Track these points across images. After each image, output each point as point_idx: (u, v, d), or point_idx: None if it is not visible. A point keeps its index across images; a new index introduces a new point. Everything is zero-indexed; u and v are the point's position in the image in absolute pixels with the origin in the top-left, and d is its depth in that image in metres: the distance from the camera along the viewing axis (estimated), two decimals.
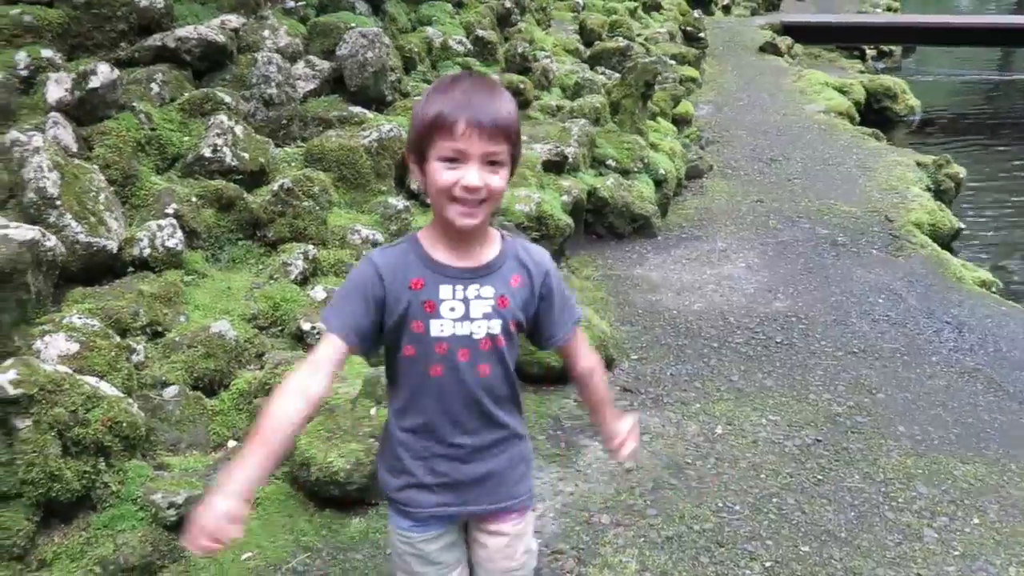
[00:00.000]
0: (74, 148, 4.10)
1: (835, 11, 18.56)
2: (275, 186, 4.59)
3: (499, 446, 1.88)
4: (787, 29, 15.48)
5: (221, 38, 5.25)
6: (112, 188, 4.08)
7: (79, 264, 3.68)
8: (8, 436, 2.76)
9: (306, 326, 3.90)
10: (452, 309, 1.76)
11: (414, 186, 5.29)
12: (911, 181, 7.75)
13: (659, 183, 7.02)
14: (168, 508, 2.95)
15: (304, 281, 4.29)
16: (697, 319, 5.17)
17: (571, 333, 1.96)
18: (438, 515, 1.90)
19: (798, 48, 15.22)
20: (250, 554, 3.04)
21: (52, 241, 3.38)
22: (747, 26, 15.80)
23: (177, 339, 3.63)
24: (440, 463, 1.84)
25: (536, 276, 1.85)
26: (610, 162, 6.84)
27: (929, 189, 7.80)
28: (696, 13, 14.08)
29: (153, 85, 4.84)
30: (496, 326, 1.78)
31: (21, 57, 4.41)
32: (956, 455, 3.81)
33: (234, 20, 5.54)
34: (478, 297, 1.77)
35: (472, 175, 1.65)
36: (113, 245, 3.81)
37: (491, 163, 1.68)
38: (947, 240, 6.99)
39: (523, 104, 7.21)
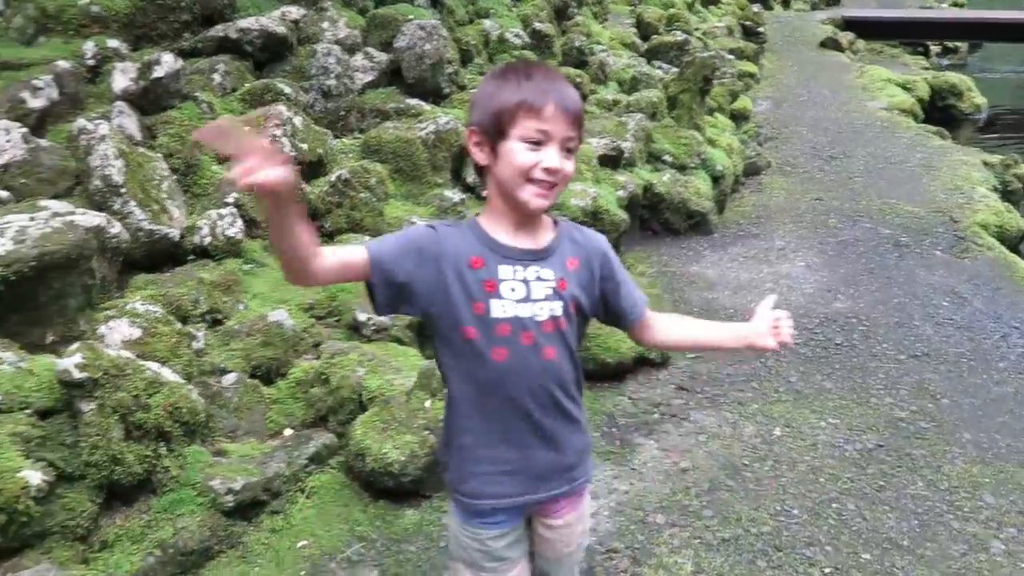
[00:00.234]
0: (138, 136, 4.16)
1: (899, 6, 18.15)
2: (332, 177, 4.61)
3: (562, 432, 1.85)
4: (849, 24, 15.19)
5: (282, 29, 5.30)
6: (174, 176, 4.14)
7: (142, 251, 3.73)
8: (73, 419, 2.81)
9: (362, 316, 3.91)
10: (513, 290, 1.73)
11: (470, 179, 5.28)
12: (977, 181, 7.53)
13: (716, 179, 6.92)
14: (226, 494, 2.98)
15: None
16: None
17: (644, 308, 1.94)
18: (503, 507, 1.87)
19: (860, 44, 14.93)
20: (305, 542, 3.06)
21: (117, 228, 3.43)
22: (807, 21, 15.54)
23: (236, 327, 3.66)
24: (505, 451, 1.81)
25: (594, 258, 1.84)
26: (666, 157, 6.76)
27: (996, 190, 7.57)
28: (755, 7, 13.92)
29: (215, 75, 4.90)
30: (558, 308, 1.76)
31: (89, 47, 4.49)
32: None
33: (294, 11, 5.59)
34: (539, 279, 1.75)
35: (553, 156, 1.67)
36: (175, 233, 3.86)
37: (567, 149, 1.70)
38: (1015, 242, 6.77)
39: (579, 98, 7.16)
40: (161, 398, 2.94)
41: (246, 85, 4.98)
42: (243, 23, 5.19)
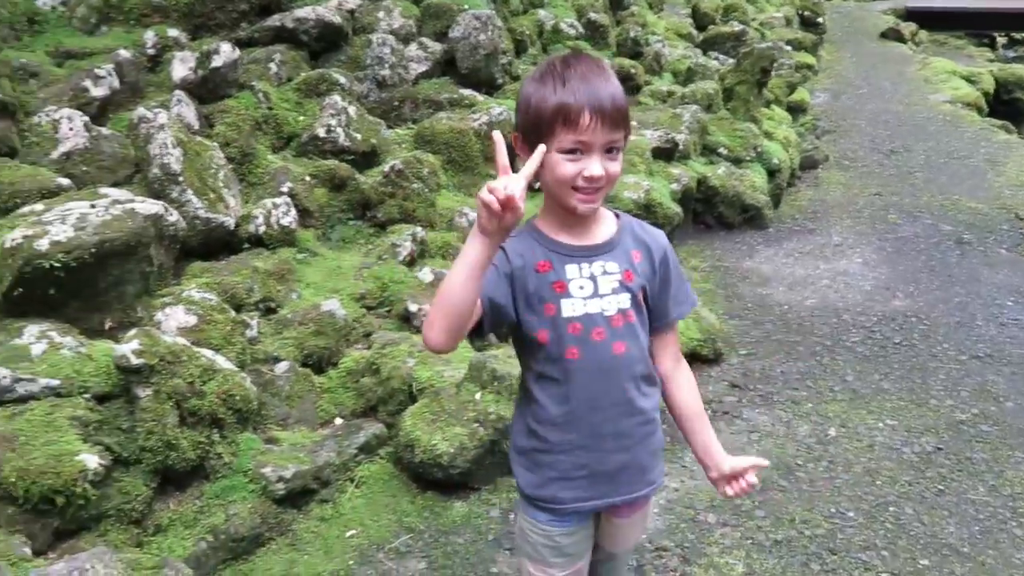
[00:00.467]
0: (196, 125, 4.21)
1: None
2: (386, 167, 4.63)
3: (638, 432, 1.84)
4: (911, 14, 14.81)
5: (337, 19, 5.32)
6: (230, 165, 4.19)
7: (198, 239, 3.78)
8: (130, 404, 2.86)
9: (413, 307, 3.91)
10: (581, 287, 1.73)
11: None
12: None
13: (772, 173, 6.79)
14: (277, 482, 3.01)
15: (412, 262, 4.31)
16: (810, 315, 4.99)
17: (685, 314, 1.92)
18: (580, 510, 1.87)
19: (923, 35, 14.55)
20: (354, 532, 3.07)
21: (174, 216, 3.47)
22: (868, 11, 15.20)
23: (289, 316, 3.69)
24: (583, 455, 1.80)
25: (655, 253, 1.82)
26: (722, 150, 6.66)
27: None
28: None
29: (271, 65, 4.94)
30: (625, 300, 1.75)
31: (149, 36, 4.56)
32: None
33: (350, 1, 5.60)
34: (604, 273, 1.75)
35: (595, 166, 1.64)
36: (231, 221, 3.90)
37: (610, 150, 1.67)
38: None
39: (633, 89, 7.10)
40: (215, 385, 2.98)
41: (301, 75, 5.02)
42: (300, 12, 5.22)
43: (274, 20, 5.20)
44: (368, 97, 5.30)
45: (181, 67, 4.41)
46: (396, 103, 5.43)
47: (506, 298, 1.70)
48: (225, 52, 4.42)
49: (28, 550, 2.46)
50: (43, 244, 2.90)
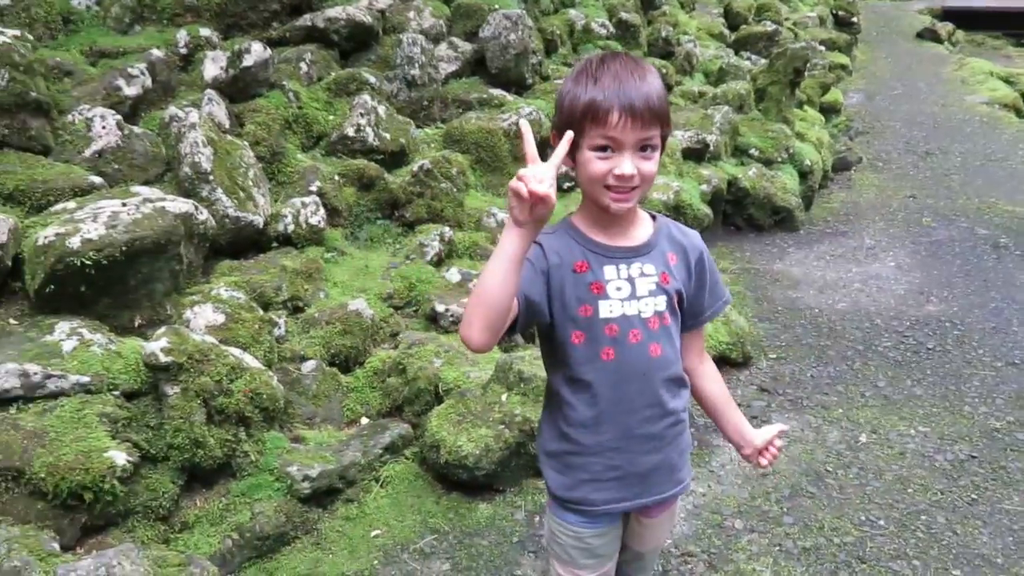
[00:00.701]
0: (226, 124, 4.24)
1: None
2: (414, 167, 4.63)
3: (669, 433, 1.83)
4: (948, 14, 14.60)
5: (368, 19, 5.33)
6: (260, 164, 4.20)
7: (227, 237, 3.80)
8: (158, 401, 2.88)
9: (440, 307, 3.91)
10: (619, 289, 1.72)
11: None
12: None
13: (804, 175, 6.73)
14: (302, 480, 3.01)
15: (439, 262, 4.31)
16: (841, 319, 4.92)
17: (718, 313, 1.93)
18: (611, 511, 1.87)
19: (959, 35, 14.33)
20: (378, 532, 3.07)
21: (204, 215, 3.49)
22: (904, 11, 14.99)
23: (316, 315, 3.70)
24: (615, 456, 1.80)
25: (691, 255, 1.82)
26: (753, 151, 6.60)
27: None
28: None
29: (302, 64, 4.95)
30: (662, 303, 1.75)
31: (182, 35, 4.59)
32: None
33: (381, 1, 5.61)
34: (642, 275, 1.74)
35: (626, 164, 1.62)
36: (259, 220, 3.92)
37: (643, 148, 1.64)
38: None
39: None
40: (242, 383, 2.99)
41: (332, 74, 5.03)
42: (331, 12, 5.24)
43: (305, 20, 5.22)
44: (398, 96, 5.30)
45: (212, 66, 4.44)
46: (425, 103, 5.43)
47: (541, 296, 1.69)
48: (256, 51, 4.44)
49: (56, 545, 2.49)
50: (75, 242, 2.92)
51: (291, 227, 4.03)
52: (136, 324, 3.20)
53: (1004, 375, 4.29)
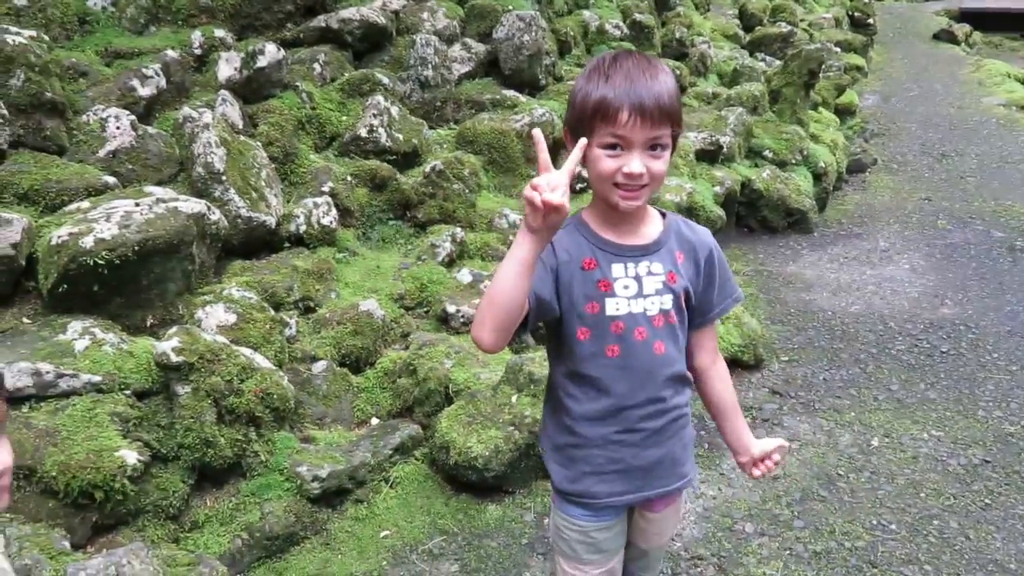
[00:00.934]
0: (240, 125, 4.25)
1: None
2: (427, 168, 4.63)
3: (672, 427, 1.84)
4: (965, 15, 14.51)
5: (382, 20, 5.34)
6: (273, 165, 4.22)
7: (239, 238, 3.81)
8: (169, 401, 2.89)
9: (451, 308, 3.91)
10: (626, 287, 1.73)
11: None
12: None
13: (818, 176, 6.69)
14: (312, 481, 3.02)
15: (451, 263, 4.31)
16: (854, 322, 4.90)
17: (728, 310, 1.92)
18: (614, 504, 1.87)
19: (976, 36, 14.23)
20: (387, 532, 3.08)
21: (216, 215, 3.50)
22: (920, 12, 14.90)
23: (327, 315, 3.71)
24: (618, 449, 1.81)
25: (701, 252, 1.82)
26: (767, 153, 6.57)
27: None
28: None
29: (315, 65, 4.97)
30: (668, 301, 1.76)
31: (196, 36, 4.61)
32: None
33: (395, 2, 5.62)
34: (649, 273, 1.75)
35: (635, 163, 1.62)
36: (272, 221, 3.93)
37: (653, 147, 1.65)
38: None
39: None
40: (253, 384, 3.00)
41: (345, 75, 5.04)
42: (345, 13, 5.25)
43: (319, 21, 5.23)
44: (411, 97, 5.31)
45: (226, 67, 4.46)
46: (438, 104, 5.44)
47: (550, 293, 1.70)
48: (270, 52, 4.46)
49: (67, 544, 2.50)
50: (88, 241, 2.94)
51: (303, 227, 4.04)
52: (148, 324, 3.21)
53: (1019, 379, 4.25)
